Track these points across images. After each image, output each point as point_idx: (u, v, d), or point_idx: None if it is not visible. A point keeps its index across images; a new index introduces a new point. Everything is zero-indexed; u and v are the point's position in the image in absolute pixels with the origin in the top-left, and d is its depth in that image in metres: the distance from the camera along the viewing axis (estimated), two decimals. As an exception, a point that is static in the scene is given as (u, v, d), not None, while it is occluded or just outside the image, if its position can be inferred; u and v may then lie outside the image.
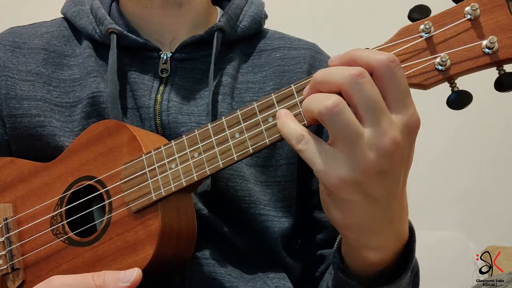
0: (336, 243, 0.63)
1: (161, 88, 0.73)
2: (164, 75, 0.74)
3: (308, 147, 0.49)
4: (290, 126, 0.51)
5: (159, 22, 0.78)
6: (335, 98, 0.48)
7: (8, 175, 0.69)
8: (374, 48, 0.52)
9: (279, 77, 0.76)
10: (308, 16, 1.77)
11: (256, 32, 0.81)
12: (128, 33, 0.74)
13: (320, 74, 0.50)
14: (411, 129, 0.49)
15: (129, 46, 0.75)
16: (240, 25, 0.78)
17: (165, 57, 0.75)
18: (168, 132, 0.70)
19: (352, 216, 0.52)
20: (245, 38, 0.79)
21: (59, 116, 0.73)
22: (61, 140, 0.71)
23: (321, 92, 0.50)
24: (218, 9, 0.84)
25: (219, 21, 0.76)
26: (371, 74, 0.49)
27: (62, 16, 0.82)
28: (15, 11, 1.75)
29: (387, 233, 0.55)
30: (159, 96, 0.72)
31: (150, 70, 0.75)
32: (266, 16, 0.83)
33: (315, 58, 0.80)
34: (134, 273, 0.54)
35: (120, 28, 0.74)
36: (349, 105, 0.48)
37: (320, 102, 0.48)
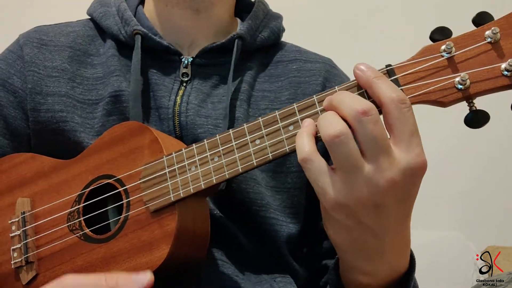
0: (334, 261, 0.65)
1: (181, 90, 0.75)
2: (184, 79, 0.77)
3: (311, 167, 0.52)
4: (303, 141, 0.53)
5: (178, 23, 0.80)
6: (340, 128, 0.50)
7: (28, 170, 0.70)
8: (397, 65, 0.54)
9: (294, 88, 0.79)
10: (320, 28, 1.79)
11: (273, 44, 0.84)
12: (153, 36, 0.77)
13: (336, 98, 0.52)
14: (414, 170, 0.50)
15: (152, 48, 0.77)
16: (260, 35, 0.81)
17: (186, 61, 0.77)
18: (186, 133, 0.73)
19: (344, 237, 0.56)
20: (263, 49, 0.82)
21: (81, 112, 0.75)
22: (81, 136, 0.73)
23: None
24: (238, 20, 0.87)
25: (240, 29, 0.79)
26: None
27: (88, 17, 0.85)
28: (15, 12, 1.76)
29: (378, 262, 0.57)
30: (178, 98, 0.75)
31: (171, 72, 0.77)
32: (283, 29, 0.86)
33: (329, 72, 0.83)
34: (147, 277, 0.54)
35: (145, 30, 0.77)
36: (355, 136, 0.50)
37: (326, 127, 0.50)
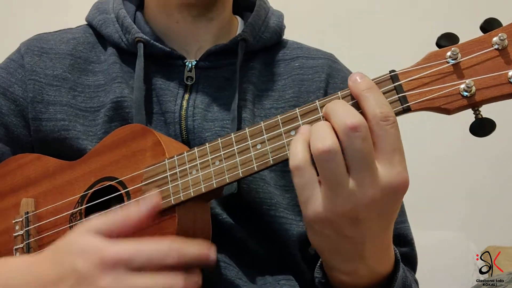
0: (320, 259, 0.64)
1: (186, 95, 0.75)
2: (189, 83, 0.76)
3: (301, 176, 0.51)
4: (297, 148, 0.52)
5: (187, 33, 0.81)
6: (329, 143, 0.49)
7: (33, 171, 0.71)
8: (401, 70, 0.53)
9: (298, 86, 0.79)
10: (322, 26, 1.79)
11: (276, 43, 0.84)
12: (155, 42, 0.77)
13: (329, 107, 0.52)
14: (395, 188, 0.50)
15: (154, 54, 0.77)
16: (262, 35, 0.81)
17: (190, 65, 0.77)
18: (193, 136, 0.73)
19: (322, 242, 0.56)
20: (266, 48, 0.83)
21: (83, 120, 0.75)
22: (84, 143, 0.73)
23: None
24: (238, 18, 0.88)
25: (243, 31, 0.79)
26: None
27: (86, 23, 0.85)
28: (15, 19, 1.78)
29: (357, 264, 0.57)
30: (184, 102, 0.75)
31: (175, 77, 0.77)
32: (284, 27, 0.86)
33: (332, 68, 0.83)
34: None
35: (147, 37, 0.77)
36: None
37: (316, 140, 0.50)
